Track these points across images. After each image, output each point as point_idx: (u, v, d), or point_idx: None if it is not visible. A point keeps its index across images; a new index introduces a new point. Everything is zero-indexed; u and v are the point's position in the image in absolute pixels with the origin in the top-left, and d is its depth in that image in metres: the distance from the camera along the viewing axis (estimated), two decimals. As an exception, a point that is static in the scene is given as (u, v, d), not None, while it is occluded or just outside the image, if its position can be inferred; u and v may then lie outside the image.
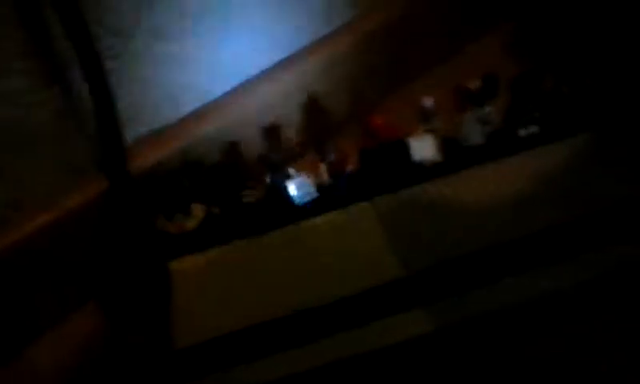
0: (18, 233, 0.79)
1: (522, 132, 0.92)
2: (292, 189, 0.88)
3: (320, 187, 0.90)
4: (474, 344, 0.72)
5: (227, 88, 0.93)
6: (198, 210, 0.89)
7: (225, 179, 0.89)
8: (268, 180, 0.90)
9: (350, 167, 0.91)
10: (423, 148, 0.89)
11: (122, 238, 0.85)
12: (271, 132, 0.94)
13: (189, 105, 0.91)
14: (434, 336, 0.73)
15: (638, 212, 0.80)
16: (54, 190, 0.82)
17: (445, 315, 0.74)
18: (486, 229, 0.83)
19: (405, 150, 0.88)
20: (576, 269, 0.76)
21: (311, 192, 0.89)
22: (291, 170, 0.90)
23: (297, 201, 0.89)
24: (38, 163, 0.80)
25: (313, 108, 0.98)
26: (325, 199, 0.90)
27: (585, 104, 0.92)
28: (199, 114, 0.91)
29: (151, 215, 0.88)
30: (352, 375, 0.72)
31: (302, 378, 0.72)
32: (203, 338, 0.77)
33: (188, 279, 0.85)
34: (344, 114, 1.03)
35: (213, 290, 0.83)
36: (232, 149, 0.92)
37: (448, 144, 0.92)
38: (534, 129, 0.92)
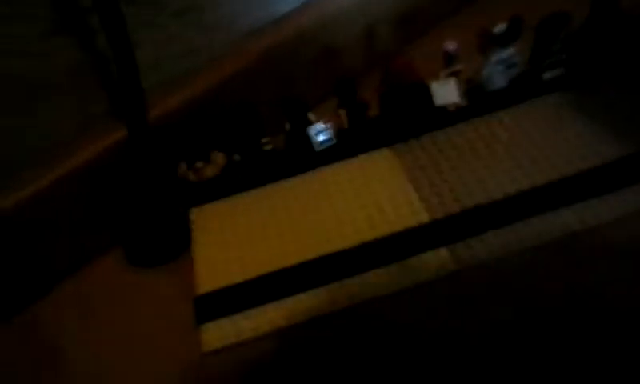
0: (39, 182, 0.79)
1: (547, 75, 0.90)
2: (312, 135, 0.88)
3: (340, 133, 0.90)
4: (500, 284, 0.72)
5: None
6: (219, 158, 0.89)
7: (245, 127, 0.88)
8: (288, 127, 0.89)
9: (370, 114, 0.90)
10: (446, 92, 0.87)
11: (142, 186, 0.85)
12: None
13: (207, 53, 0.89)
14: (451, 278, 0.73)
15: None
16: (73, 139, 0.82)
17: (465, 257, 0.74)
18: (511, 174, 0.81)
19: (426, 92, 0.86)
20: (599, 210, 0.75)
21: (331, 138, 0.88)
22: (311, 116, 0.89)
23: (316, 147, 0.88)
24: (57, 112, 0.80)
25: (331, 54, 0.97)
26: (345, 145, 0.89)
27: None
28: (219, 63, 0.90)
29: (172, 163, 0.88)
30: (369, 318, 0.72)
31: (323, 320, 0.72)
32: (224, 285, 0.78)
33: (208, 227, 0.86)
34: (364, 61, 1.02)
35: (233, 237, 0.83)
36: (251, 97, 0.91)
37: (471, 88, 0.91)
38: (559, 72, 0.90)
